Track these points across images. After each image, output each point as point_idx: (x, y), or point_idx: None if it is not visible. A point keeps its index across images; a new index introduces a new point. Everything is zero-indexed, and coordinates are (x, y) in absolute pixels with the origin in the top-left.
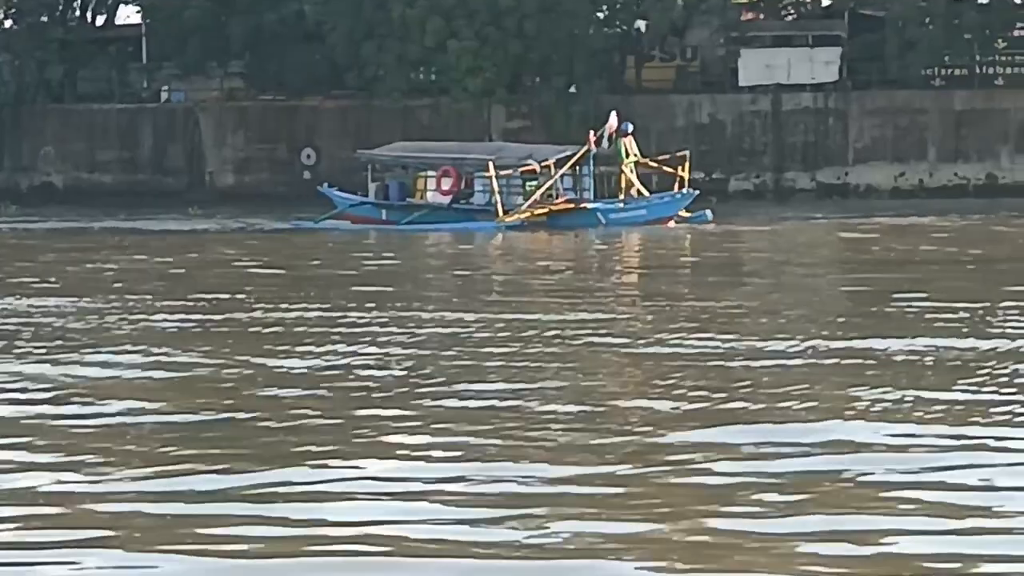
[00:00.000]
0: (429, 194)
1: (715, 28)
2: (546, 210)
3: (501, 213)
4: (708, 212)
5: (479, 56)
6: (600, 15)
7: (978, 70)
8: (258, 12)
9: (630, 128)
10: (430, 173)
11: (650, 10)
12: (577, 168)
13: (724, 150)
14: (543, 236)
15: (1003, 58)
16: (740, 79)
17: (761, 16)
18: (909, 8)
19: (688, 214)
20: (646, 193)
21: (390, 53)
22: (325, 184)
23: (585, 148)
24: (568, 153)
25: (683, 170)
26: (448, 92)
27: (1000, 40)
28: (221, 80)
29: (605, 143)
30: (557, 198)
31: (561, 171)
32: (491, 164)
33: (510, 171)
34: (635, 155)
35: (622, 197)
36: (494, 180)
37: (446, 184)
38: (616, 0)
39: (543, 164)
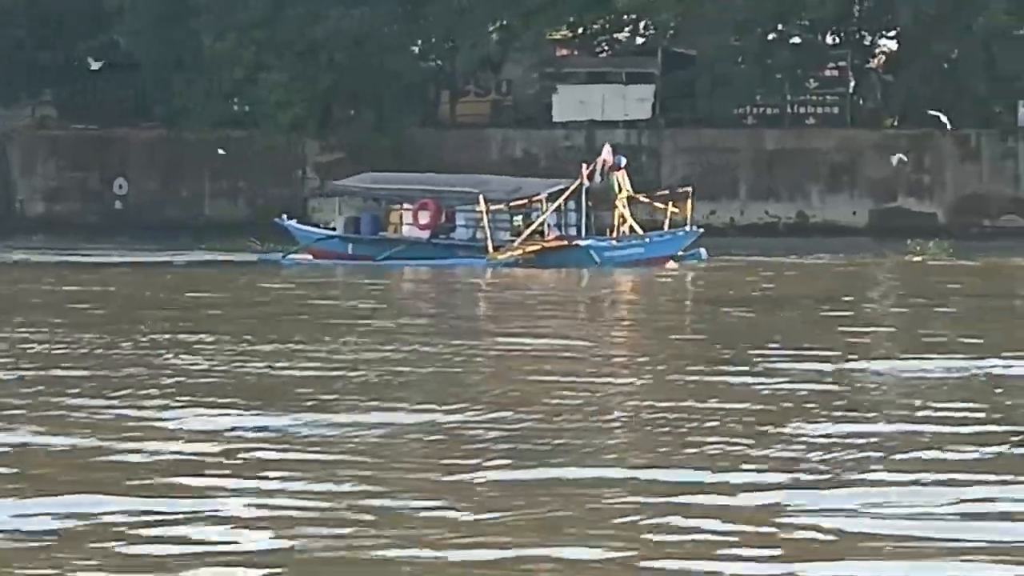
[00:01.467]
0: (405, 228)
1: (530, 64)
2: (538, 247)
3: (491, 249)
4: (702, 251)
5: (289, 89)
6: (415, 49)
7: (789, 109)
8: (71, 41)
9: (623, 162)
10: (406, 206)
11: (464, 44)
12: (563, 203)
13: None
14: (541, 274)
15: (814, 97)
16: (554, 115)
17: (575, 52)
18: (721, 47)
19: (681, 253)
20: (639, 230)
21: (199, 85)
22: (283, 216)
23: (577, 182)
24: (560, 187)
25: (685, 207)
26: (259, 125)
27: (811, 80)
28: (33, 108)
29: (598, 177)
30: (547, 235)
31: (554, 206)
32: (482, 198)
33: (501, 205)
34: (627, 190)
35: (615, 234)
36: (485, 215)
37: (424, 218)
38: (431, 34)
39: (534, 199)
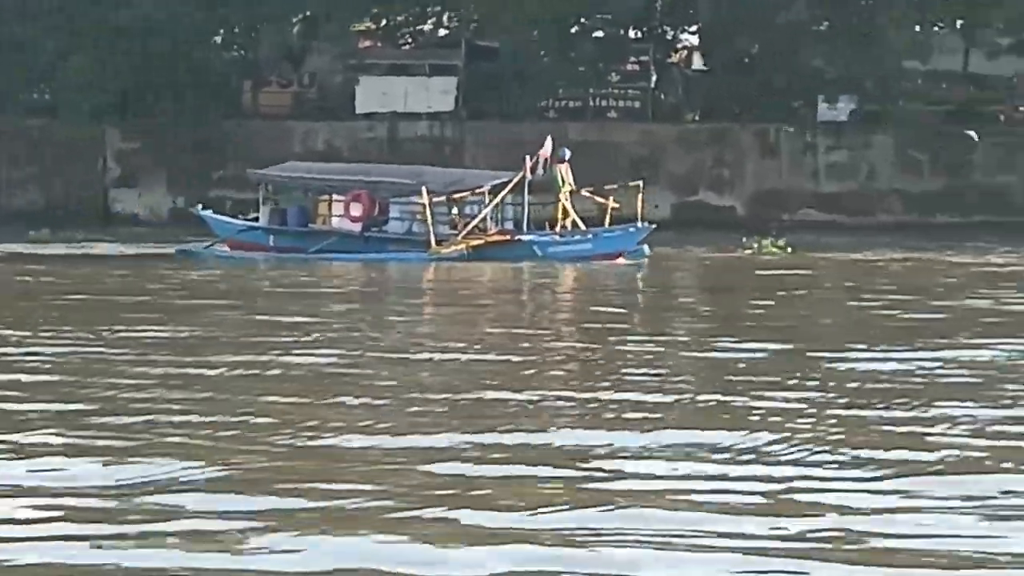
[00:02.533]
0: (335, 220)
1: (333, 55)
2: (481, 241)
3: (434, 243)
4: (646, 247)
5: (91, 76)
6: (217, 39)
7: (592, 103)
8: None
9: (567, 155)
10: (336, 197)
11: (266, 34)
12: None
13: None
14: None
15: (616, 91)
16: (357, 106)
17: (379, 44)
18: (524, 40)
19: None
20: (581, 225)
21: (2, 71)
22: (199, 206)
23: (520, 175)
24: (503, 180)
25: (636, 201)
26: (59, 114)
27: (613, 74)
28: None
29: (540, 170)
30: (490, 229)
31: (498, 199)
32: (424, 190)
33: (442, 198)
34: (570, 184)
35: (558, 228)
36: (428, 208)
37: (356, 210)
38: (233, 23)
39: (477, 191)
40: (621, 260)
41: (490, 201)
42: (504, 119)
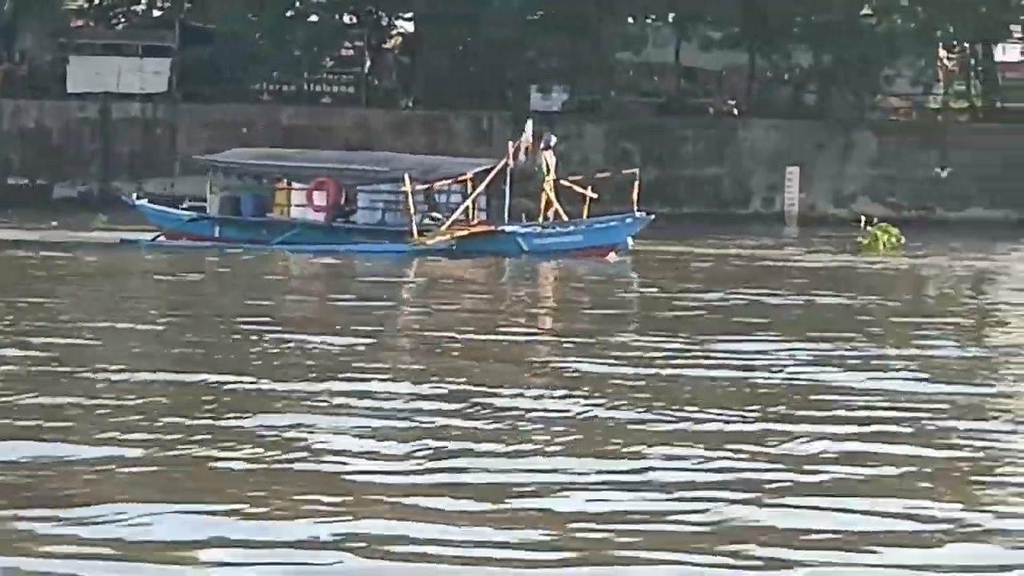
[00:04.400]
0: (295, 209)
1: (44, 33)
2: (466, 232)
3: (416, 234)
4: (629, 240)
5: None
6: None
7: (306, 87)
8: None
9: (553, 140)
10: (296, 185)
11: None
12: (469, 186)
13: (50, 157)
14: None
15: (330, 76)
16: (68, 86)
17: (91, 24)
18: (239, 22)
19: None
20: (563, 216)
21: None
22: (134, 195)
23: (503, 162)
24: (485, 167)
25: (632, 191)
26: None
27: (328, 59)
28: None
29: (523, 156)
30: (472, 219)
31: (481, 187)
32: (407, 177)
33: (427, 186)
34: (554, 172)
35: (540, 220)
36: (410, 196)
37: (320, 199)
38: None
39: (459, 179)
40: (612, 256)
41: (471, 190)
42: (218, 102)
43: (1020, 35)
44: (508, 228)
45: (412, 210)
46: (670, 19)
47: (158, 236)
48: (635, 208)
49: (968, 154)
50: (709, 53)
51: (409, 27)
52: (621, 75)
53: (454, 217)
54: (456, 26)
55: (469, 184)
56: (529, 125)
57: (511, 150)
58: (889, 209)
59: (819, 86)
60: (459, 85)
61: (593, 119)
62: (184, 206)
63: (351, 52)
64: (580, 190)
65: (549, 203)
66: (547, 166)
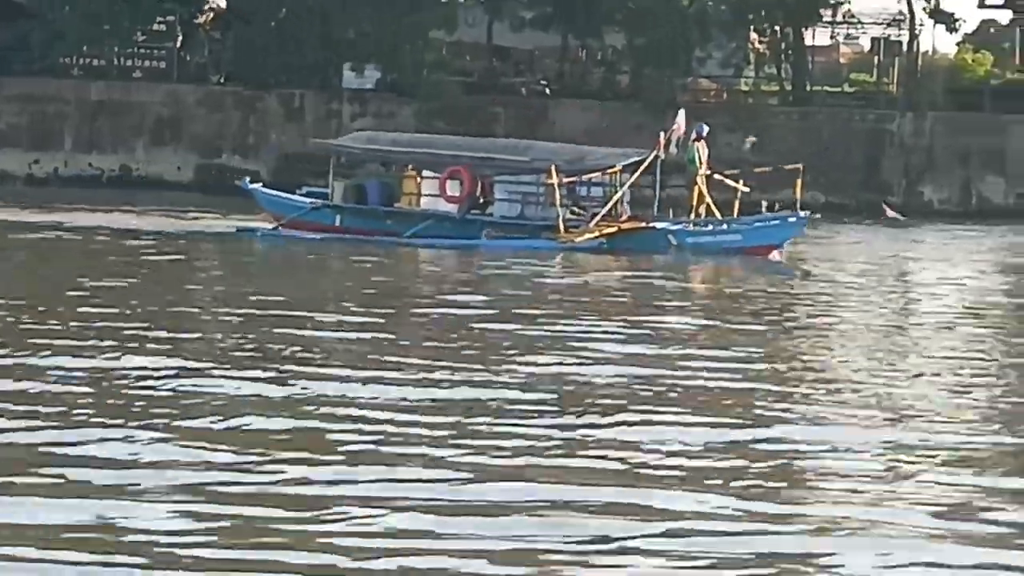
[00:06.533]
0: (426, 200)
1: None
2: (614, 228)
3: (563, 230)
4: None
5: None
6: None
7: (116, 62)
8: None
9: (705, 130)
10: (426, 173)
11: None
12: (611, 177)
13: None
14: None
15: (142, 51)
16: None
17: None
18: None
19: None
20: (716, 212)
21: None
22: (247, 178)
23: (654, 154)
24: (635, 159)
25: (796, 187)
26: None
27: (140, 33)
28: None
29: (673, 148)
30: (621, 214)
31: (631, 180)
32: (554, 169)
33: (574, 179)
34: (707, 164)
35: (691, 216)
36: (557, 189)
37: (454, 189)
38: None
39: (609, 171)
40: (775, 255)
41: (621, 182)
42: (30, 75)
43: (830, 19)
44: (659, 224)
45: (558, 204)
46: None
47: (277, 227)
48: (798, 206)
49: (777, 136)
50: (521, 33)
51: (222, 3)
52: (433, 54)
53: (603, 212)
54: (270, 2)
55: (616, 176)
56: (681, 115)
57: (662, 140)
58: None
59: (632, 67)
60: (271, 62)
61: (406, 98)
62: (302, 191)
63: (163, 27)
64: (733, 184)
65: (702, 197)
66: (699, 158)
